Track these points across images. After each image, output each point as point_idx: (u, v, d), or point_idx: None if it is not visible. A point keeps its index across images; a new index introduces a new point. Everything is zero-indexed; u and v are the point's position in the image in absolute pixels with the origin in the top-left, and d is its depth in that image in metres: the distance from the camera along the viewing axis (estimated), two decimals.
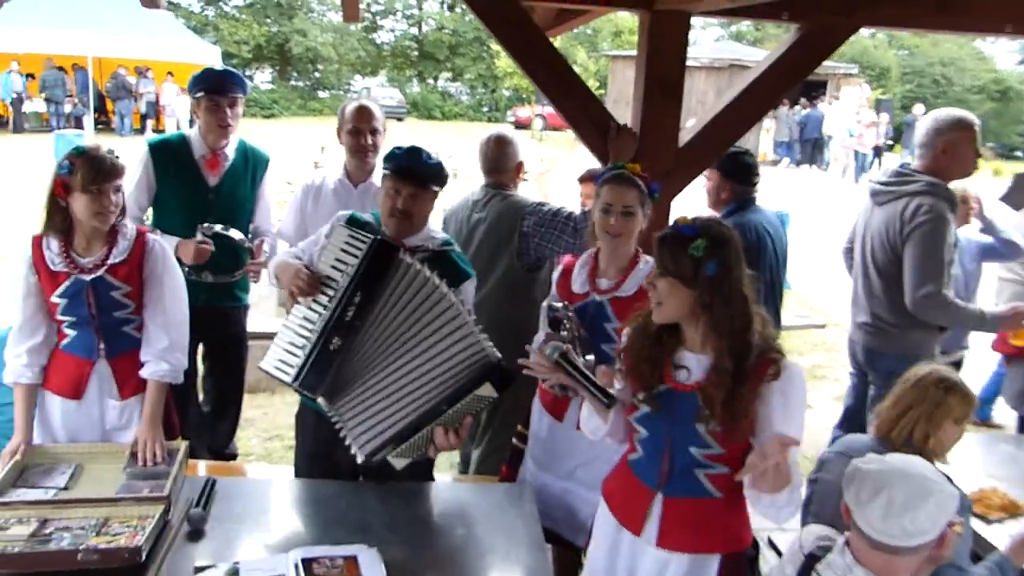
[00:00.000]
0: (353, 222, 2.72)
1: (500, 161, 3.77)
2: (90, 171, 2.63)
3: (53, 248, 2.75)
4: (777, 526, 2.29)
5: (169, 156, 3.83)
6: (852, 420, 4.09)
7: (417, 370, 2.56)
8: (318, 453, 2.94)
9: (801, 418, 2.21)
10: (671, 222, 2.31)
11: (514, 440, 3.33)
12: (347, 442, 2.60)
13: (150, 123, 22.74)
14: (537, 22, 3.50)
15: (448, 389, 2.55)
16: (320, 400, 2.58)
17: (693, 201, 4.27)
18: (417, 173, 2.70)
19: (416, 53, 41.62)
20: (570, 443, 2.99)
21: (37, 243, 2.77)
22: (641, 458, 2.35)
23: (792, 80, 3.52)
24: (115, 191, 2.69)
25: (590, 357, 2.75)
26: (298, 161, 14.46)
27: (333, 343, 2.52)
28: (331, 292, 2.57)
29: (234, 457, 4.40)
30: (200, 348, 4.09)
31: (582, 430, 2.52)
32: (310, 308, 2.59)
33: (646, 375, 2.27)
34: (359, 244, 2.57)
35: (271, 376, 2.62)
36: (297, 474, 3.05)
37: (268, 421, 5.46)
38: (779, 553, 3.48)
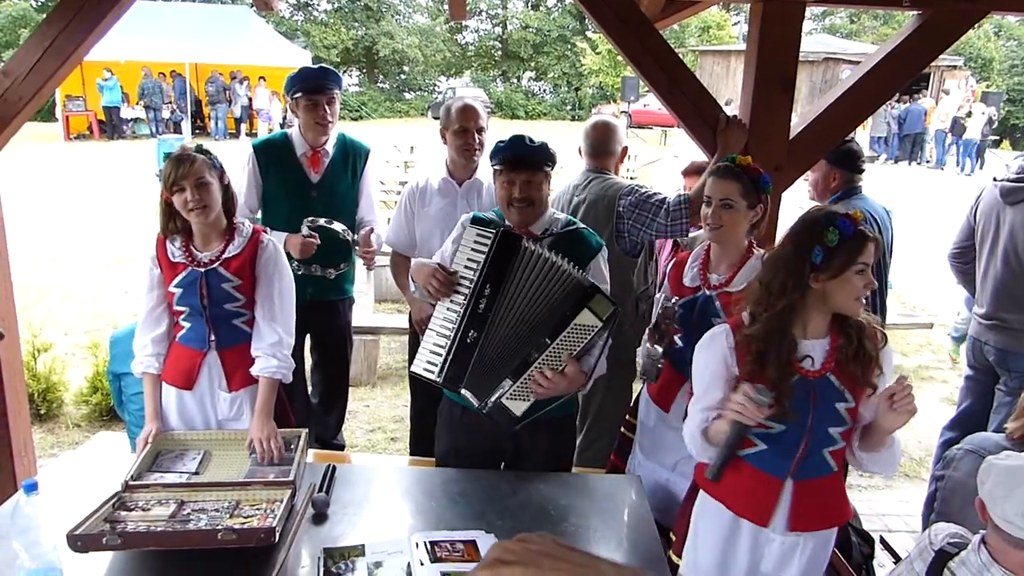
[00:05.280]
0: (478, 221, 2.77)
1: (606, 144, 3.82)
2: (167, 172, 2.74)
3: (176, 244, 2.87)
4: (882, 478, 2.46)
5: (272, 156, 3.93)
6: (968, 420, 3.96)
7: (531, 326, 2.62)
8: (460, 447, 2.98)
9: None
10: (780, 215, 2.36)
11: (623, 429, 3.35)
12: (466, 393, 2.68)
13: (243, 127, 23.47)
14: (644, 13, 3.46)
15: (548, 324, 2.59)
16: (464, 393, 2.67)
17: (800, 194, 4.22)
18: (526, 158, 2.75)
19: (500, 53, 41.84)
20: (675, 435, 2.97)
21: (161, 241, 2.89)
22: (765, 451, 2.34)
23: (910, 71, 3.39)
24: (197, 184, 2.73)
25: (658, 347, 2.82)
26: (389, 161, 14.68)
27: (470, 336, 2.62)
28: (465, 290, 2.65)
29: (342, 447, 4.51)
30: (308, 341, 4.21)
31: (696, 457, 2.52)
32: (448, 309, 2.68)
33: (786, 372, 2.25)
34: (486, 239, 2.64)
35: (421, 378, 2.73)
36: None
37: (370, 414, 5.58)
38: (892, 553, 3.41)
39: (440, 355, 2.67)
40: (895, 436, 2.29)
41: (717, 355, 2.39)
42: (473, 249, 2.67)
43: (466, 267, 2.67)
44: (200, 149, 2.83)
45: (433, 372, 2.69)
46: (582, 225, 2.94)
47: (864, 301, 2.27)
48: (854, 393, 2.28)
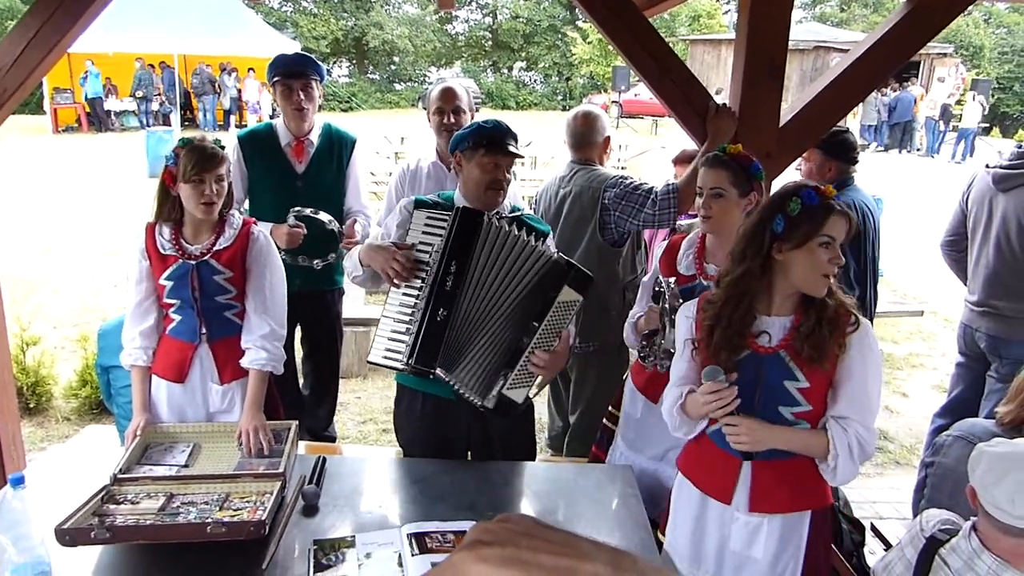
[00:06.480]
0: (423, 205, 2.75)
1: (588, 135, 3.81)
2: (190, 161, 2.71)
3: (165, 235, 2.85)
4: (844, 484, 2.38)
5: (257, 146, 3.92)
6: (960, 407, 3.97)
7: (509, 308, 2.60)
8: (425, 435, 2.95)
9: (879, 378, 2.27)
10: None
11: (605, 421, 3.34)
12: (467, 397, 2.64)
13: (233, 118, 23.34)
14: (633, 1, 3.44)
15: (533, 307, 2.57)
16: (438, 371, 2.62)
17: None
18: (512, 144, 2.75)
19: (490, 43, 41.65)
20: (664, 426, 2.98)
21: (150, 231, 2.87)
22: (720, 429, 2.30)
23: (899, 57, 3.38)
24: (216, 180, 2.75)
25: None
26: (379, 152, 14.62)
27: (439, 315, 2.58)
28: (423, 274, 2.62)
29: (333, 439, 4.50)
30: (298, 332, 4.18)
31: (673, 432, 2.52)
32: (404, 295, 2.65)
33: (733, 343, 2.25)
34: (441, 220, 2.62)
35: (382, 367, 2.68)
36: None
37: (362, 405, 5.57)
38: (883, 540, 3.41)
39: (403, 340, 2.63)
40: (837, 453, 2.19)
41: (685, 326, 2.44)
42: (425, 232, 2.65)
43: (419, 251, 2.65)
44: (219, 144, 2.82)
45: (398, 359, 2.63)
46: (528, 212, 2.96)
47: (831, 280, 2.19)
48: (809, 373, 2.21)
